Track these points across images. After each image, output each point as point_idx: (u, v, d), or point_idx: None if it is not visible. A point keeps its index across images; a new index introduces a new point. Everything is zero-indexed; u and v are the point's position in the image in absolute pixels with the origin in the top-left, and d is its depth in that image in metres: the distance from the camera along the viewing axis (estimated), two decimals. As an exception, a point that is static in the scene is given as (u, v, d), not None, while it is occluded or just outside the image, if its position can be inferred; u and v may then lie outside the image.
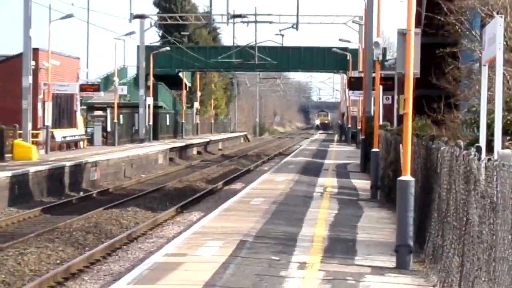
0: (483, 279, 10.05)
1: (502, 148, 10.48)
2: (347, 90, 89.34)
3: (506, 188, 8.63)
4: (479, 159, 10.88)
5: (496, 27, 10.93)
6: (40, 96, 56.24)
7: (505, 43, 12.42)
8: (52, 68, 58.29)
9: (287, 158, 60.29)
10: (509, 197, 8.54)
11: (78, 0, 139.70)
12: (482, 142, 11.23)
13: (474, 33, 21.55)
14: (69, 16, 62.65)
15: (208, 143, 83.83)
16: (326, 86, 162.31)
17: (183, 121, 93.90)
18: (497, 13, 13.63)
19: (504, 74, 11.21)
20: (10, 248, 21.48)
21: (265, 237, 19.11)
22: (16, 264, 19.78)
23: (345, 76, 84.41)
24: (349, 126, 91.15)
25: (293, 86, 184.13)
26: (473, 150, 11.44)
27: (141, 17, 72.30)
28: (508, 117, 14.30)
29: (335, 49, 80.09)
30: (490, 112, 11.89)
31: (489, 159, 10.15)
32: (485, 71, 12.04)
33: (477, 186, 10.66)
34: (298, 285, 13.74)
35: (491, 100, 11.93)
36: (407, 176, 15.98)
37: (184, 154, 68.16)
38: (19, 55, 52.75)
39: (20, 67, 49.67)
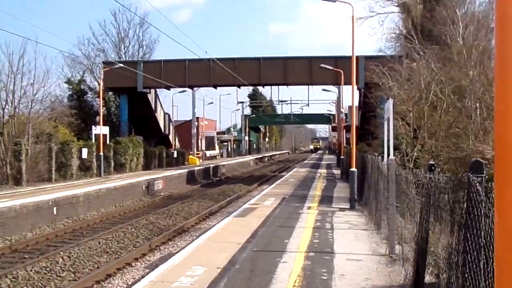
0: (384, 211, 9.96)
1: (393, 156, 10.33)
2: (331, 131, 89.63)
3: (392, 172, 8.58)
4: (382, 160, 10.78)
5: (389, 104, 10.83)
6: (200, 137, 56.87)
7: (396, 109, 12.23)
8: (204, 125, 59.24)
9: (304, 161, 59.91)
10: (392, 176, 8.48)
11: (215, 94, 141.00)
12: (385, 153, 11.10)
13: (382, 106, 21.23)
14: (211, 103, 64.54)
15: (272, 155, 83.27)
16: (322, 129, 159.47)
17: (261, 146, 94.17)
18: (389, 98, 13.51)
19: (393, 124, 11.11)
20: (186, 202, 21.82)
21: (294, 196, 19.09)
22: (188, 209, 20.10)
23: (330, 125, 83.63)
24: (332, 147, 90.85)
25: (308, 130, 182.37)
26: (381, 157, 11.33)
27: (242, 102, 72.65)
28: (397, 142, 14.09)
29: (325, 114, 79.46)
30: (388, 140, 11.73)
31: (386, 160, 10.06)
32: (385, 123, 11.90)
33: (382, 172, 10.56)
34: (306, 216, 13.71)
35: (389, 135, 11.74)
36: (353, 168, 15.87)
37: (261, 160, 67.80)
38: (191, 120, 53.30)
39: (190, 125, 50.39)
